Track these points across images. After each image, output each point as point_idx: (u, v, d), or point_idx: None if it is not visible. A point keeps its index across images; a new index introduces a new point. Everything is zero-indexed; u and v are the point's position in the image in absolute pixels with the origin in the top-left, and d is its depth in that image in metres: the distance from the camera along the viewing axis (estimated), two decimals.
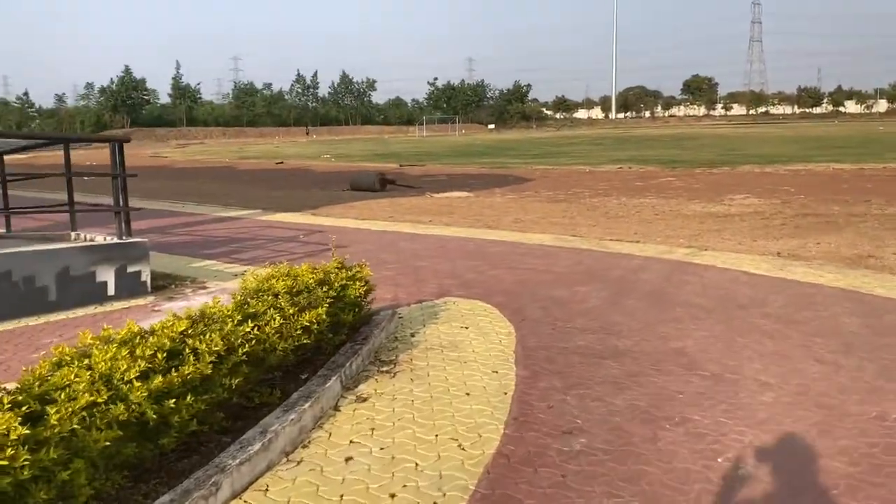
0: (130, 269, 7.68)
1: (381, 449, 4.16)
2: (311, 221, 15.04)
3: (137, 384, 3.31)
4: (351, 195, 21.15)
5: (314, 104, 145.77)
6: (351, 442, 4.26)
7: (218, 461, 3.70)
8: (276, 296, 4.83)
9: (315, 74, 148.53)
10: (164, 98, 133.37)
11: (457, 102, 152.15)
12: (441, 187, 23.04)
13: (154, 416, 3.32)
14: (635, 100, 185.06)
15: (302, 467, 3.95)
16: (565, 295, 7.70)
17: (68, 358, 3.52)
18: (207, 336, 3.96)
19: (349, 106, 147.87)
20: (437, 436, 4.30)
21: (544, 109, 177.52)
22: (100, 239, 7.96)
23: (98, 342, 3.71)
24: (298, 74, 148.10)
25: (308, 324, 4.68)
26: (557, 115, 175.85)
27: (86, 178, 19.67)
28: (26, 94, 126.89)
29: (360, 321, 6.16)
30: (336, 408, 4.77)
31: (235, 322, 4.23)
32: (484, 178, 26.91)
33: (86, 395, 3.12)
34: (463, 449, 4.13)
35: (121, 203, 7.80)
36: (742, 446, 4.14)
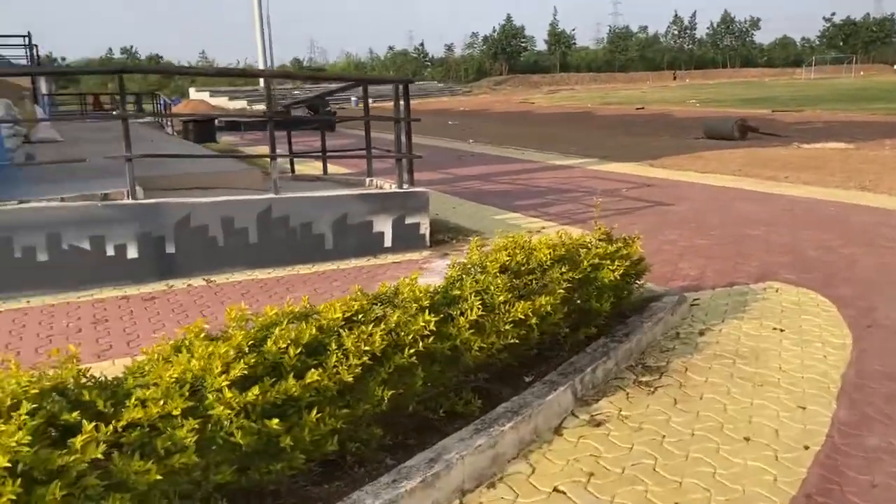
0: (409, 221, 7.15)
1: None
2: (645, 173, 13.54)
3: (229, 395, 2.50)
4: (703, 144, 18.95)
5: (690, 46, 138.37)
6: (554, 490, 3.07)
7: (354, 499, 2.80)
8: (494, 275, 3.74)
9: (693, 15, 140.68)
10: (541, 45, 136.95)
11: (856, 40, 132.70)
12: (814, 137, 19.65)
13: (244, 440, 2.50)
14: None
15: None
16: None
17: (187, 343, 2.85)
18: (368, 328, 3.04)
19: (728, 47, 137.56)
20: None
21: None
22: (387, 187, 7.56)
23: (233, 323, 3.00)
24: (676, 16, 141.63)
25: (523, 316, 3.53)
26: None
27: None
28: (422, 44, 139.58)
29: (633, 308, 4.83)
30: (558, 430, 3.59)
31: (414, 310, 3.25)
32: (873, 126, 22.47)
33: (152, 405, 2.40)
34: None
35: (402, 149, 7.26)
36: None
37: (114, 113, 32.14)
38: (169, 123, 24.34)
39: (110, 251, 6.21)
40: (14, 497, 1.96)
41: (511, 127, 29.84)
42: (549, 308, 3.66)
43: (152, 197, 6.81)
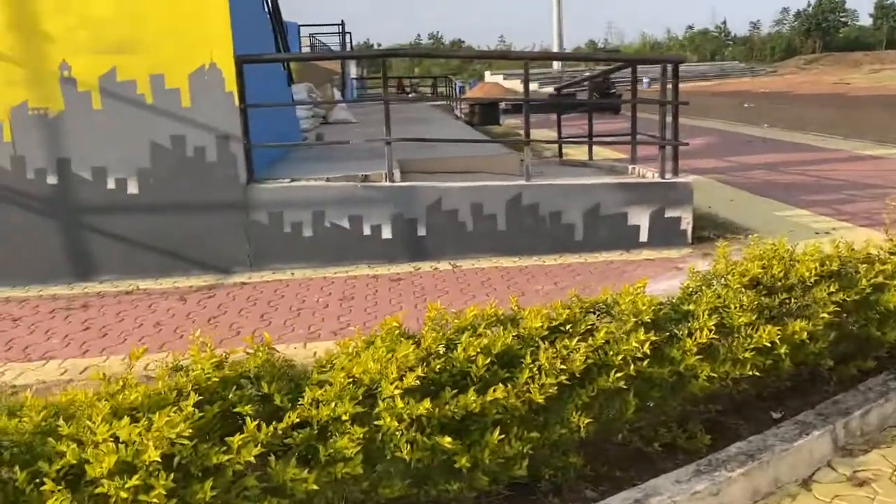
0: (668, 214, 6.55)
1: None
2: None
3: (400, 405, 2.31)
4: None
5: None
6: None
7: None
8: (737, 291, 3.17)
9: None
10: (865, 19, 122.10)
11: None
12: None
13: (411, 455, 2.30)
14: None
15: None
16: None
17: (379, 338, 2.72)
18: (572, 343, 2.69)
19: None
20: None
21: None
22: (649, 175, 7.00)
23: (430, 323, 2.81)
24: None
25: (769, 343, 2.93)
26: None
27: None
28: (724, 22, 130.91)
29: None
30: (806, 484, 2.96)
31: (631, 325, 2.82)
32: None
33: (323, 406, 2.28)
34: None
35: (666, 135, 6.65)
36: None
37: (409, 96, 34.37)
38: (458, 106, 25.34)
39: (367, 230, 6.43)
40: (165, 492, 1.93)
41: (817, 110, 26.85)
42: (804, 336, 3.02)
43: (411, 179, 6.96)
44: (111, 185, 6.20)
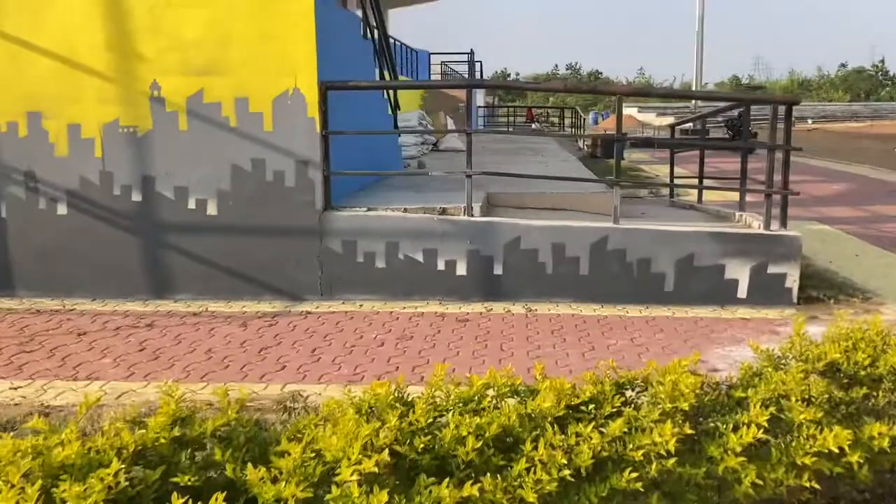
0: (772, 270, 5.89)
1: None
2: None
3: (355, 493, 1.98)
4: None
5: None
6: None
7: None
8: (799, 380, 2.64)
9: None
10: None
11: None
12: None
13: None
14: None
15: None
16: None
17: (368, 401, 2.41)
18: (586, 430, 2.29)
19: None
20: None
21: None
22: (755, 225, 6.36)
23: (429, 391, 2.47)
24: None
25: (835, 449, 2.40)
26: None
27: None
28: (882, 61, 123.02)
29: None
30: None
31: (666, 411, 2.38)
32: None
33: (269, 485, 1.99)
34: None
35: (772, 183, 6.00)
36: None
37: (533, 127, 34.02)
38: (582, 138, 24.90)
39: (441, 265, 6.16)
40: None
41: None
42: (885, 442, 2.46)
43: (499, 214, 6.66)
44: (192, 205, 6.23)
